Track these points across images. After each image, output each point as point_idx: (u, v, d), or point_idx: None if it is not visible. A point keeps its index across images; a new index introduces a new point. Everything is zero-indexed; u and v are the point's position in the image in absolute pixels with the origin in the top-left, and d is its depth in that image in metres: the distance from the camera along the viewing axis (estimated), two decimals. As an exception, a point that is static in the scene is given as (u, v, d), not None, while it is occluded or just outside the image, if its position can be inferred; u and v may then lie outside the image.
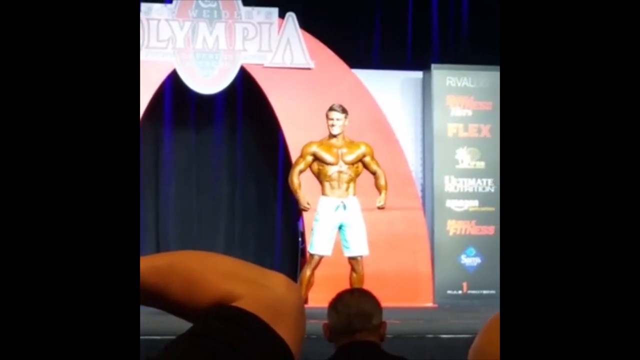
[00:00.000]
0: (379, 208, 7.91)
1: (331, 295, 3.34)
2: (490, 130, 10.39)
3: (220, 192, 10.72)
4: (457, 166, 10.45)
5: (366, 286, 5.84)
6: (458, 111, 10.49)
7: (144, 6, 9.65)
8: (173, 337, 1.05)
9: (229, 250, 10.19)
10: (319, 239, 7.77)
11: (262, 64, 10.06)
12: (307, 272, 7.71)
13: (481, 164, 10.45)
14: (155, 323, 4.04)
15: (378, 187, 7.91)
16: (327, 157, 7.82)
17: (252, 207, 10.84)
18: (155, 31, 9.84)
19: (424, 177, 10.62)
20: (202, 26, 9.95)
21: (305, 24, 10.12)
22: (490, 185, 10.45)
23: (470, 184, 10.47)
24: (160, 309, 1.13)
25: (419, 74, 10.69)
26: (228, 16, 10.00)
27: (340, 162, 7.83)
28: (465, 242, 10.43)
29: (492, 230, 10.36)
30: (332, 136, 7.86)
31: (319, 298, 7.34)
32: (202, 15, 9.97)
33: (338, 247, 7.84)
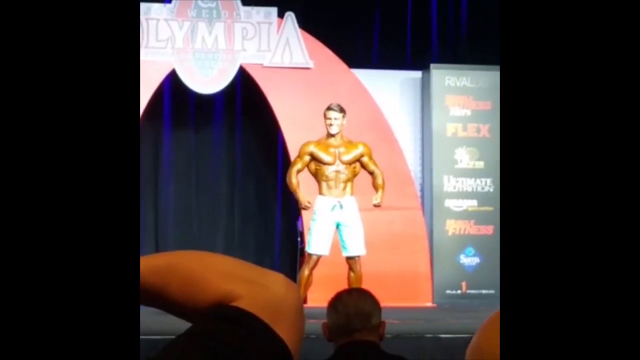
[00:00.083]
0: (375, 206, 7.89)
1: (330, 294, 3.34)
2: (489, 130, 10.39)
3: (219, 191, 10.72)
4: (456, 166, 10.45)
5: (365, 286, 5.83)
6: (457, 111, 10.49)
7: (143, 6, 9.65)
8: (173, 337, 1.05)
9: (228, 250, 10.19)
10: (316, 239, 7.77)
11: (261, 64, 10.06)
12: (306, 271, 7.72)
13: (480, 164, 10.45)
14: (155, 323, 4.04)
15: (375, 187, 7.90)
16: (325, 156, 7.82)
17: (252, 207, 10.84)
18: (155, 31, 9.84)
19: (422, 177, 10.62)
20: (201, 26, 9.95)
21: (305, 24, 10.12)
22: (489, 185, 10.45)
23: (469, 184, 10.47)
24: (159, 308, 1.13)
25: (418, 74, 10.70)
26: (227, 16, 10.00)
27: (338, 162, 7.82)
28: (464, 241, 10.43)
29: (491, 229, 10.36)
30: (330, 136, 7.85)
31: (318, 298, 7.35)
32: (201, 15, 9.97)
33: (336, 246, 7.84)
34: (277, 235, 10.81)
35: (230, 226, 10.75)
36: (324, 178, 7.81)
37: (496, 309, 1.16)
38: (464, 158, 10.46)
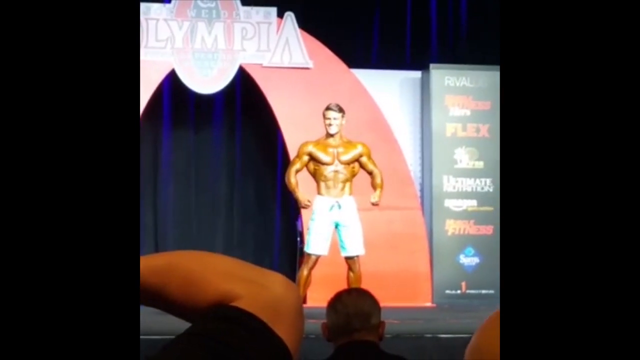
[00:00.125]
0: (372, 204, 7.88)
1: (329, 294, 3.34)
2: (488, 130, 10.39)
3: (219, 191, 10.71)
4: (456, 166, 10.45)
5: (365, 286, 5.83)
6: (456, 111, 10.49)
7: (142, 6, 9.64)
8: (173, 337, 1.05)
9: (227, 250, 10.19)
10: (315, 239, 7.77)
11: (260, 64, 10.05)
12: (305, 271, 7.72)
13: (480, 164, 10.45)
14: (155, 323, 4.03)
15: (374, 186, 7.90)
16: (323, 156, 7.82)
17: (251, 207, 10.84)
18: (154, 31, 9.84)
19: (422, 177, 10.62)
20: (201, 26, 9.95)
21: (304, 24, 10.12)
22: (488, 185, 10.45)
23: (468, 184, 10.47)
24: (159, 308, 1.13)
25: (417, 74, 10.69)
26: (227, 16, 10.00)
27: (336, 162, 7.82)
28: (463, 241, 10.43)
29: (490, 229, 10.36)
30: (329, 135, 7.85)
31: (318, 297, 7.36)
32: (201, 15, 9.97)
33: (335, 246, 7.84)
34: (277, 235, 10.81)
35: (230, 226, 10.75)
36: (323, 178, 7.81)
37: (496, 309, 1.16)
38: (464, 158, 10.46)
